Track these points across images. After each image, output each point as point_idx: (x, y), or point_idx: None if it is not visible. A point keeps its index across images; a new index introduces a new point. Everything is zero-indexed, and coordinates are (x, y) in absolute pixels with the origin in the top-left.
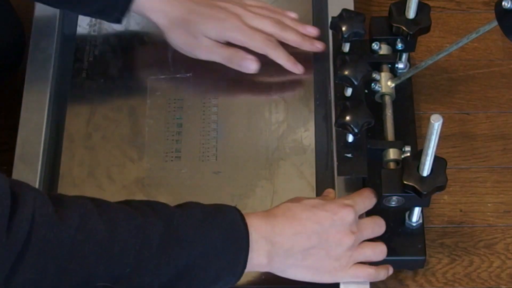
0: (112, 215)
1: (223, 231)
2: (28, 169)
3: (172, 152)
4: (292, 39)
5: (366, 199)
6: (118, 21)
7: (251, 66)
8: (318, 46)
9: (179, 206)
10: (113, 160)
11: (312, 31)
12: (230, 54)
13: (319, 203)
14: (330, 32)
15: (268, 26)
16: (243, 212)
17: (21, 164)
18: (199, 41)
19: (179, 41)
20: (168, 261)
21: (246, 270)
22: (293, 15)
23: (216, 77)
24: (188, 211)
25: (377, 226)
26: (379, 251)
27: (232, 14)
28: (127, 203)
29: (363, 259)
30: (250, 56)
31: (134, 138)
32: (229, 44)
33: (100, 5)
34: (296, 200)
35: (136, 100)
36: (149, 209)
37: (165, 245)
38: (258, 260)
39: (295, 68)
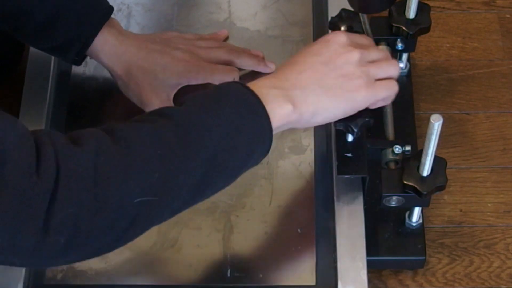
0: (123, 133)
1: (233, 104)
2: None
3: None
4: (249, 63)
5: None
6: (75, 62)
7: None
8: (271, 67)
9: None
10: None
11: (260, 53)
12: None
13: (310, 44)
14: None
15: (224, 56)
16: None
17: None
18: (151, 96)
19: (133, 92)
20: (193, 156)
21: (276, 126)
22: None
23: None
24: (192, 102)
25: (382, 52)
26: (392, 62)
27: (188, 53)
28: (134, 120)
29: (381, 73)
30: None
31: None
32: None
33: (57, 42)
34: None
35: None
36: (155, 116)
37: (183, 141)
38: (282, 110)
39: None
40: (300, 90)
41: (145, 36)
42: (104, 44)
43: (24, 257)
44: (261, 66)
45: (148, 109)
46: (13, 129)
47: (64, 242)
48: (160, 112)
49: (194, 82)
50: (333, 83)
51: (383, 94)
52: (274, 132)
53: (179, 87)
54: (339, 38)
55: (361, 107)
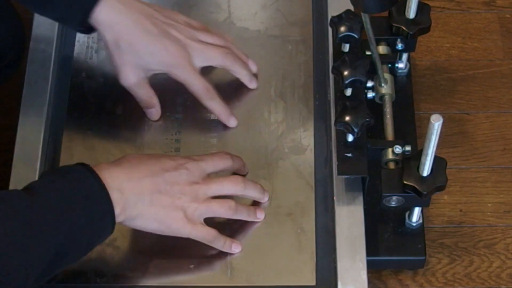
0: None
1: (84, 207)
2: (28, 168)
3: (171, 151)
4: (241, 73)
5: (216, 158)
6: (83, 31)
7: (153, 115)
8: (255, 85)
9: (31, 192)
10: (112, 160)
11: (255, 69)
12: (145, 98)
13: (166, 155)
14: (330, 31)
15: (218, 59)
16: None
17: (21, 163)
18: (129, 73)
19: (114, 63)
20: (38, 256)
21: None
22: (229, 38)
23: (216, 76)
24: (46, 196)
25: (229, 182)
26: (227, 206)
27: (181, 47)
28: None
29: (211, 214)
30: (157, 109)
31: (134, 137)
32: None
33: (58, 13)
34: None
35: (135, 100)
36: (6, 207)
37: (30, 243)
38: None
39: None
40: (134, 196)
41: (149, 11)
42: (102, 13)
43: None
44: (249, 82)
45: (122, 82)
46: None
47: None
48: (12, 203)
49: (173, 77)
50: (161, 203)
51: (199, 235)
52: None
53: (159, 72)
54: (192, 168)
55: (175, 234)
